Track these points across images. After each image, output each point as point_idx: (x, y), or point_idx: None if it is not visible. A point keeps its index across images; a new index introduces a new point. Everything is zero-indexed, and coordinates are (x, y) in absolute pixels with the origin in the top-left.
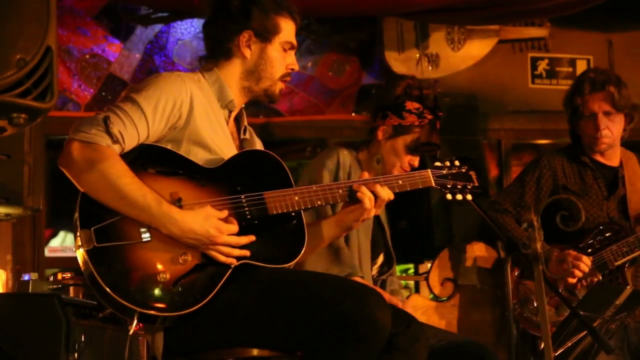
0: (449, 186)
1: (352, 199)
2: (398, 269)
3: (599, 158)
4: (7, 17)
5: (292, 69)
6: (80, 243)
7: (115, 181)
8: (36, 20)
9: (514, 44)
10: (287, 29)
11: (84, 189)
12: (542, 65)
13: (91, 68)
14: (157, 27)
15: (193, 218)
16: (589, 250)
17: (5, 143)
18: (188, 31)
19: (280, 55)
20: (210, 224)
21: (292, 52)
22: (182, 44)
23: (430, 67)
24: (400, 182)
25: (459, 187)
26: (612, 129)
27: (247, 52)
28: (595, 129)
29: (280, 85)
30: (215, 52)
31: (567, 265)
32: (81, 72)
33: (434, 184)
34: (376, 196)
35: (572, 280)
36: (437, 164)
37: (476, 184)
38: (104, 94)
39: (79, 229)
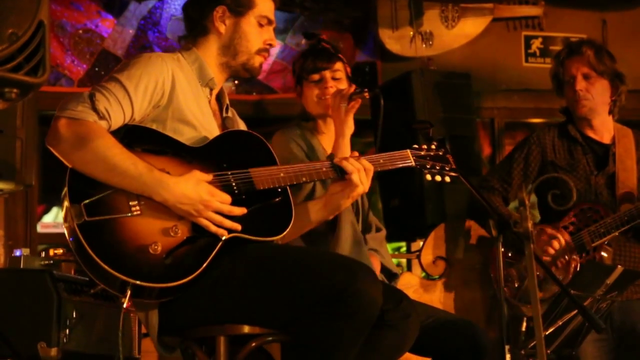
0: (427, 166)
1: (339, 173)
2: (390, 247)
3: (589, 133)
4: None
5: (270, 45)
6: (70, 218)
7: (105, 152)
8: None
9: (508, 22)
10: (263, 4)
11: (72, 164)
12: (536, 44)
13: (84, 43)
14: (151, 3)
15: (185, 183)
16: (569, 230)
17: None
18: (182, 7)
19: (255, 30)
20: (202, 188)
21: (270, 28)
22: (175, 19)
23: (424, 45)
24: (381, 160)
25: (438, 168)
26: (592, 91)
27: (222, 27)
28: (573, 90)
29: (259, 59)
30: (193, 31)
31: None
32: (74, 48)
33: (414, 164)
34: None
35: (546, 259)
36: (415, 145)
37: (454, 166)
38: (97, 69)
39: (69, 205)
